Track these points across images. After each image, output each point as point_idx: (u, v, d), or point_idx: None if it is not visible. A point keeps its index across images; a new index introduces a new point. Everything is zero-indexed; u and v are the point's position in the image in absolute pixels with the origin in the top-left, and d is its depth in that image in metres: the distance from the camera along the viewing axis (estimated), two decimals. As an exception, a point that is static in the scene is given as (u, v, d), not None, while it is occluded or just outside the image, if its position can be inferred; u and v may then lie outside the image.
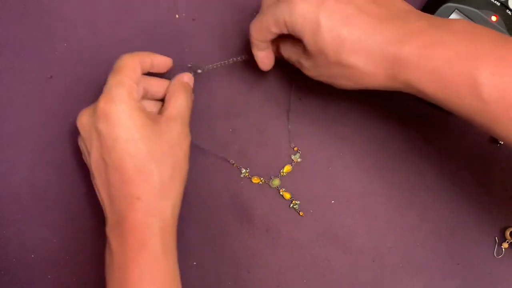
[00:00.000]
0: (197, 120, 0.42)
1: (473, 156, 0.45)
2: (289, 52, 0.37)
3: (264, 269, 0.44)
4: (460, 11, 0.40)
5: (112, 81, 0.35)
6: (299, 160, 0.44)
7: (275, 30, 0.35)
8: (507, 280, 0.44)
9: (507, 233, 0.43)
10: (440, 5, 0.40)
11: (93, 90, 0.43)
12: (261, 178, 0.44)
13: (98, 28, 0.43)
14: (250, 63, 0.41)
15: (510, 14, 0.40)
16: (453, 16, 0.40)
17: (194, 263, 0.44)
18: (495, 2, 0.40)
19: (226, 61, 0.42)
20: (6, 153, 0.43)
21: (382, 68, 0.31)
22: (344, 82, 0.34)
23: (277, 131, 0.44)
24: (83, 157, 0.38)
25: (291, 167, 0.44)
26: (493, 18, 0.40)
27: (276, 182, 0.43)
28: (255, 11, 0.44)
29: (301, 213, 0.44)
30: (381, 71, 0.32)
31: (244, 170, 0.44)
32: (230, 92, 0.44)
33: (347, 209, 0.44)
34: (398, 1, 0.34)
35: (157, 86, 0.39)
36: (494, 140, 0.45)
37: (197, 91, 0.42)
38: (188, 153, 0.37)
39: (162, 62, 0.39)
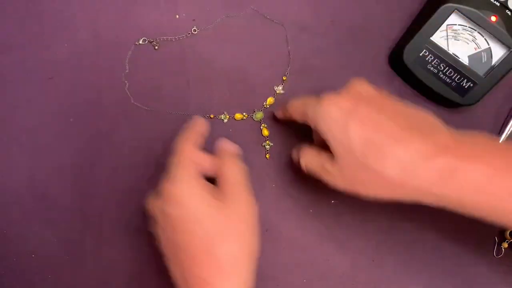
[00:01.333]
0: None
1: (473, 156, 0.45)
2: (311, 159, 0.37)
3: (264, 269, 0.44)
4: (460, 11, 0.40)
5: (172, 162, 0.36)
6: (282, 92, 0.44)
7: (302, 120, 0.37)
8: (507, 280, 0.44)
9: (507, 233, 0.43)
10: (440, 5, 0.40)
11: (93, 91, 0.43)
12: (244, 114, 0.44)
13: (98, 29, 0.43)
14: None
15: (509, 14, 0.40)
16: (453, 16, 0.41)
17: (194, 263, 0.44)
18: (495, 2, 0.40)
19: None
20: (6, 153, 0.43)
21: (414, 179, 0.31)
22: (371, 190, 0.33)
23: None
24: (156, 241, 0.37)
25: (273, 99, 0.44)
26: (493, 18, 0.40)
27: (259, 115, 0.43)
28: (255, 11, 0.44)
29: (267, 156, 0.44)
30: (412, 182, 0.31)
31: (223, 115, 0.43)
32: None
33: (347, 209, 0.44)
34: (425, 115, 0.34)
35: (208, 161, 0.38)
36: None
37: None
38: (255, 224, 0.36)
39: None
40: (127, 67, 0.44)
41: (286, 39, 0.44)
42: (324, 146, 0.36)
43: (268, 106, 0.44)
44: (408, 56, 0.42)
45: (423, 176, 0.31)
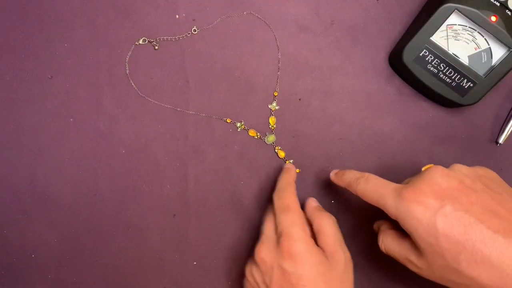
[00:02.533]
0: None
1: (473, 156, 0.45)
2: (393, 245, 0.36)
3: (264, 269, 0.44)
4: (460, 11, 0.40)
5: (287, 221, 0.37)
6: (277, 108, 0.44)
7: (377, 205, 0.35)
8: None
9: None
10: (440, 5, 0.40)
11: (93, 90, 0.43)
12: (258, 133, 0.44)
13: (98, 28, 0.43)
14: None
15: (509, 14, 0.40)
16: (453, 16, 0.40)
17: (194, 263, 0.44)
18: (495, 2, 0.40)
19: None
20: (6, 153, 0.43)
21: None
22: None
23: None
24: (249, 286, 0.39)
25: (274, 118, 0.44)
26: (493, 19, 0.40)
27: (271, 138, 0.44)
28: (255, 10, 0.44)
29: (297, 170, 0.44)
30: None
31: (239, 124, 0.44)
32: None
33: (347, 209, 0.44)
34: None
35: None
36: (494, 140, 0.45)
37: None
38: (353, 279, 0.38)
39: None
40: (127, 67, 0.44)
41: (277, 44, 0.44)
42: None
43: (274, 126, 0.44)
44: (408, 56, 0.42)
45: None
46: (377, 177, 0.36)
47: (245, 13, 0.44)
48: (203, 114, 0.44)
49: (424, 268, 0.33)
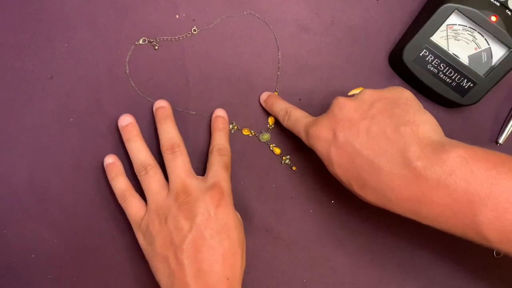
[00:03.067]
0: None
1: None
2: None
3: (264, 269, 0.44)
4: (460, 11, 0.40)
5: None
6: None
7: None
8: (507, 280, 0.44)
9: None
10: (440, 5, 0.40)
11: (93, 90, 0.43)
12: (251, 131, 0.44)
13: (98, 28, 0.43)
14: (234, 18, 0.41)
15: (509, 14, 0.40)
16: (453, 16, 0.40)
17: (194, 263, 0.44)
18: (495, 2, 0.40)
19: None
20: (6, 153, 0.43)
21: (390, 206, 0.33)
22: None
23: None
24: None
25: (274, 118, 0.44)
26: (493, 18, 0.40)
27: (265, 136, 0.44)
28: (255, 10, 0.44)
29: (293, 168, 0.44)
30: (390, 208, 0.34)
31: (231, 125, 0.44)
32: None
33: (347, 209, 0.44)
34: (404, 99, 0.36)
35: None
36: (494, 140, 0.45)
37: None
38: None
39: None
40: (127, 67, 0.44)
41: (277, 44, 0.44)
42: None
43: (272, 126, 0.44)
44: (408, 56, 0.42)
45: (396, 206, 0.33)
46: (297, 112, 0.40)
47: (245, 13, 0.44)
48: (203, 114, 0.44)
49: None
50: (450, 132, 0.44)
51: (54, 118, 0.43)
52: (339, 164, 0.35)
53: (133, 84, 0.44)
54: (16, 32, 0.43)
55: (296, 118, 0.40)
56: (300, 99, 0.44)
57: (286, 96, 0.44)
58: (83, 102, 0.43)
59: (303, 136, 0.38)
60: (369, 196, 0.34)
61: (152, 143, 0.44)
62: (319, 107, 0.44)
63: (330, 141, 0.35)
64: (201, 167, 0.44)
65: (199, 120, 0.44)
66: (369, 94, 0.36)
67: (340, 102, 0.36)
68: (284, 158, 0.44)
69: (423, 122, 0.33)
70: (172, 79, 0.44)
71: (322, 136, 0.35)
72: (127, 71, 0.44)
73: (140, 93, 0.44)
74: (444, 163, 0.30)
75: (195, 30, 0.44)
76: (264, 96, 0.44)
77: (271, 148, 0.44)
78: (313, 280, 0.44)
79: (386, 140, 0.32)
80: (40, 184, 0.43)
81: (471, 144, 0.44)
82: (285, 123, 0.41)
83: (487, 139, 0.45)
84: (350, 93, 0.39)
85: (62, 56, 0.43)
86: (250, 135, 0.44)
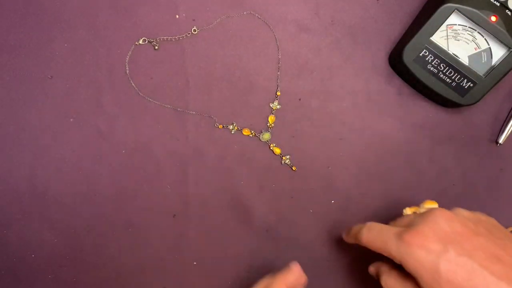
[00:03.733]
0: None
1: (473, 156, 0.45)
2: (397, 285, 0.35)
3: (264, 269, 0.44)
4: (460, 11, 0.40)
5: None
6: (278, 107, 0.44)
7: (382, 253, 0.35)
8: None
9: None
10: (440, 5, 0.40)
11: (93, 90, 0.43)
12: (252, 131, 0.44)
13: (98, 28, 0.43)
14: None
15: (509, 14, 0.40)
16: (453, 16, 0.40)
17: (194, 263, 0.44)
18: (495, 2, 0.40)
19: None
20: (7, 153, 0.43)
21: None
22: None
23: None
24: None
25: (274, 116, 0.44)
26: (493, 18, 0.40)
27: (266, 136, 0.44)
28: (255, 10, 0.44)
29: (293, 168, 0.44)
30: None
31: (232, 126, 0.44)
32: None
33: (347, 209, 0.44)
34: None
35: None
36: (494, 140, 0.45)
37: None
38: None
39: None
40: (127, 67, 0.44)
41: (277, 44, 0.44)
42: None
43: (272, 125, 0.44)
44: (408, 56, 0.42)
45: None
46: (378, 224, 0.37)
47: (245, 13, 0.44)
48: (203, 114, 0.44)
49: None
50: (450, 132, 0.45)
51: (54, 118, 0.43)
52: (450, 281, 0.31)
53: (133, 84, 0.44)
54: (16, 32, 0.43)
55: (380, 228, 0.36)
56: (300, 99, 0.44)
57: (286, 96, 0.44)
58: (83, 102, 0.43)
59: (393, 245, 0.34)
60: None
61: (152, 144, 0.44)
62: (319, 107, 0.44)
63: (439, 253, 0.31)
64: (200, 167, 0.44)
65: (199, 120, 0.44)
66: (467, 213, 0.34)
67: (447, 215, 0.33)
68: (284, 158, 0.44)
69: None
70: (172, 79, 0.44)
71: (427, 246, 0.32)
72: (127, 71, 0.44)
73: (140, 93, 0.44)
74: None
75: (195, 30, 0.44)
76: (344, 236, 0.40)
77: (271, 148, 0.44)
78: (313, 280, 0.44)
79: (502, 265, 0.31)
80: (40, 184, 0.43)
81: (471, 144, 0.44)
82: (364, 235, 0.37)
83: (487, 139, 0.45)
84: (426, 205, 0.38)
85: (62, 56, 0.43)
86: (251, 135, 0.44)
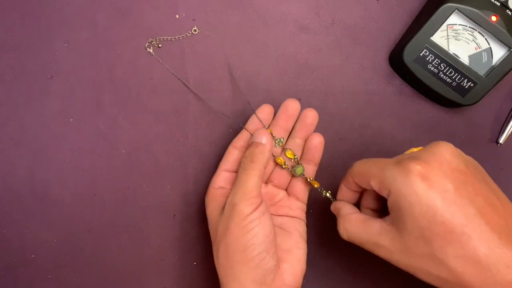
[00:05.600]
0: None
1: (473, 156, 0.45)
2: (358, 230, 0.34)
3: (264, 269, 0.44)
4: (460, 11, 0.40)
5: None
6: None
7: (368, 183, 0.33)
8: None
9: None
10: (440, 5, 0.40)
11: (93, 90, 0.43)
12: (286, 164, 0.40)
13: (98, 28, 0.43)
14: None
15: (510, 14, 0.40)
16: (453, 16, 0.40)
17: (194, 263, 0.44)
18: (495, 2, 0.40)
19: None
20: (6, 153, 0.43)
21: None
22: (432, 281, 0.30)
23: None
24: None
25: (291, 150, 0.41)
26: (493, 18, 0.40)
27: (299, 170, 0.40)
28: (255, 10, 0.44)
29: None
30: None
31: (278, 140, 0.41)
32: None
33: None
34: None
35: None
36: (494, 140, 0.45)
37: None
38: None
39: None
40: (127, 67, 0.43)
41: (277, 44, 0.44)
42: (374, 213, 0.36)
43: (297, 158, 0.41)
44: (408, 56, 0.42)
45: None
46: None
47: (245, 13, 0.44)
48: (203, 114, 0.44)
49: (397, 252, 0.31)
50: (450, 132, 0.45)
51: (54, 118, 0.43)
52: (444, 222, 0.28)
53: (133, 84, 0.44)
54: (16, 32, 0.43)
55: (377, 159, 0.34)
56: (300, 99, 0.44)
57: (286, 96, 0.44)
58: (83, 102, 0.43)
59: (388, 171, 0.31)
60: (467, 272, 0.28)
61: (152, 144, 0.44)
62: (319, 107, 0.44)
63: (441, 190, 0.28)
64: (200, 167, 0.44)
65: (199, 120, 0.44)
66: (467, 156, 0.32)
67: (454, 151, 0.30)
68: (324, 192, 0.41)
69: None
70: (172, 79, 0.44)
71: (431, 178, 0.29)
72: (127, 71, 0.44)
73: (140, 93, 0.44)
74: None
75: (195, 30, 0.44)
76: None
77: (309, 180, 0.41)
78: (313, 280, 0.44)
79: (497, 215, 0.29)
80: (40, 184, 0.43)
81: (472, 143, 0.44)
82: (359, 164, 0.35)
83: (487, 139, 0.45)
84: (409, 151, 0.35)
85: (62, 56, 0.43)
86: (284, 166, 0.40)
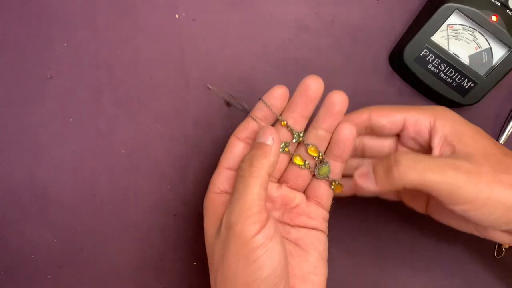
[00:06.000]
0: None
1: (474, 156, 0.45)
2: (423, 165, 0.29)
3: (264, 269, 0.44)
4: (460, 11, 0.40)
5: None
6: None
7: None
8: (507, 280, 0.44)
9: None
10: (440, 5, 0.40)
11: (93, 90, 0.43)
12: (307, 162, 0.34)
13: (98, 28, 0.43)
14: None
15: (510, 14, 0.40)
16: (454, 15, 0.40)
17: (194, 263, 0.44)
18: (495, 2, 0.40)
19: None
20: (6, 153, 0.43)
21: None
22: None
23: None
24: None
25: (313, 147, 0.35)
26: (493, 18, 0.40)
27: (324, 170, 0.34)
28: (255, 10, 0.44)
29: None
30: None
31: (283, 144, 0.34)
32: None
33: (347, 209, 0.44)
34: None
35: None
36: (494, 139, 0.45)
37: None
38: None
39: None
40: (127, 67, 0.43)
41: (277, 44, 0.44)
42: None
43: (321, 156, 0.35)
44: (408, 55, 0.42)
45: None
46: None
47: (245, 13, 0.44)
48: (203, 114, 0.44)
49: (476, 173, 0.29)
50: (450, 132, 0.45)
51: (54, 118, 0.43)
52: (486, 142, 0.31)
53: (133, 84, 0.44)
54: (16, 32, 0.43)
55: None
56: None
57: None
58: (82, 102, 0.43)
59: (428, 110, 0.32)
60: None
61: (152, 144, 0.43)
62: (319, 107, 0.44)
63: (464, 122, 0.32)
64: (200, 167, 0.44)
65: (199, 120, 0.44)
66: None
67: (483, 132, 0.32)
68: (334, 184, 0.35)
69: None
70: (172, 79, 0.44)
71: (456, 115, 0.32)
72: (127, 71, 0.43)
73: (140, 93, 0.44)
74: None
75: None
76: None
77: (332, 187, 0.35)
78: (313, 280, 0.44)
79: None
80: (40, 184, 0.43)
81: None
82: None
83: (488, 139, 0.45)
84: None
85: (62, 56, 0.43)
86: (303, 167, 0.34)
